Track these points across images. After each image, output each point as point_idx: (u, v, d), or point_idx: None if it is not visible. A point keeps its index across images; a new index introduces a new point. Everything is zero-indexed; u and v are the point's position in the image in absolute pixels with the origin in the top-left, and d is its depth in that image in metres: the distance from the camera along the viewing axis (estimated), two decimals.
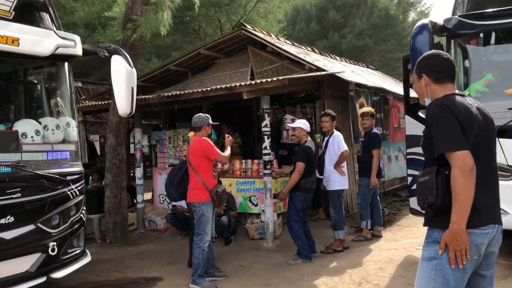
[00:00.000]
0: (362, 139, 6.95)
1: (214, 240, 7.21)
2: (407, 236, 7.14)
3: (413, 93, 6.38)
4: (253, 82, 6.35)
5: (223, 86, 6.59)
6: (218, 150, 5.16)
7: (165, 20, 6.07)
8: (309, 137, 6.07)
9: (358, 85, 8.33)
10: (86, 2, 30.55)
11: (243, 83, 6.45)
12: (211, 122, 5.29)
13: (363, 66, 13.16)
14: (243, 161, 7.72)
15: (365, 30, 26.48)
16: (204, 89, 6.76)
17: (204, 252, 5.08)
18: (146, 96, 7.36)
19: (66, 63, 4.91)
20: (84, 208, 4.97)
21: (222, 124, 9.66)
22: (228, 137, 5.53)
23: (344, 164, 6.46)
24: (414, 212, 6.04)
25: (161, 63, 10.94)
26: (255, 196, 7.46)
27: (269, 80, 6.19)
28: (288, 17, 30.21)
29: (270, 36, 9.22)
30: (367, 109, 7.03)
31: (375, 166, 6.66)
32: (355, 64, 12.54)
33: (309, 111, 9.14)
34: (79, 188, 4.84)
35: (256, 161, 7.57)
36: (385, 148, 9.93)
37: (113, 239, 7.35)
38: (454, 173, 2.19)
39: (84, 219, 4.99)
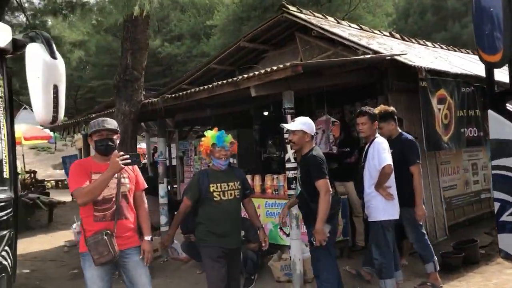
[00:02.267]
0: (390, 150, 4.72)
1: None
2: None
3: (500, 75, 4.26)
4: (256, 73, 4.71)
5: (227, 81, 5.04)
6: (80, 181, 3.37)
7: None
8: (314, 143, 4.27)
9: (437, 73, 6.16)
10: (193, 13, 31.30)
11: (245, 75, 4.84)
12: (97, 128, 3.43)
13: (469, 53, 10.50)
14: (274, 176, 6.05)
15: None
16: (210, 86, 5.27)
17: None
18: (150, 100, 6.11)
19: None
20: (7, 249, 3.75)
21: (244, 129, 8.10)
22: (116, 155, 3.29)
23: (392, 183, 4.49)
24: (506, 256, 3.95)
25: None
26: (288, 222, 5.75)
27: (274, 68, 4.49)
28: (400, 10, 27.73)
29: (325, 18, 7.43)
30: (382, 108, 4.98)
31: (419, 190, 4.60)
32: (457, 51, 10.02)
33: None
34: None
35: None
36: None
37: None
38: None
39: (8, 263, 3.78)
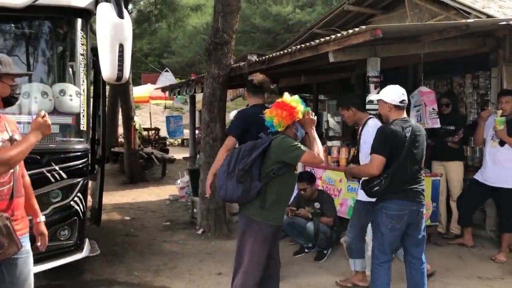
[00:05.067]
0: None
1: (306, 250, 5.60)
2: None
3: None
4: (333, 36, 4.35)
5: (306, 45, 4.77)
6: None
7: None
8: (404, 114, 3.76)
9: None
10: None
11: (322, 39, 4.51)
12: (12, 69, 2.51)
13: None
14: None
15: None
16: (290, 50, 5.05)
17: None
18: (238, 64, 6.07)
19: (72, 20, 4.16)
20: (80, 195, 4.10)
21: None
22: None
23: None
24: None
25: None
26: None
27: (350, 31, 4.11)
28: None
29: None
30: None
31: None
32: None
33: (483, 83, 6.16)
34: (68, 169, 4.00)
35: None
36: None
37: (206, 228, 6.43)
38: None
39: (80, 208, 4.13)
